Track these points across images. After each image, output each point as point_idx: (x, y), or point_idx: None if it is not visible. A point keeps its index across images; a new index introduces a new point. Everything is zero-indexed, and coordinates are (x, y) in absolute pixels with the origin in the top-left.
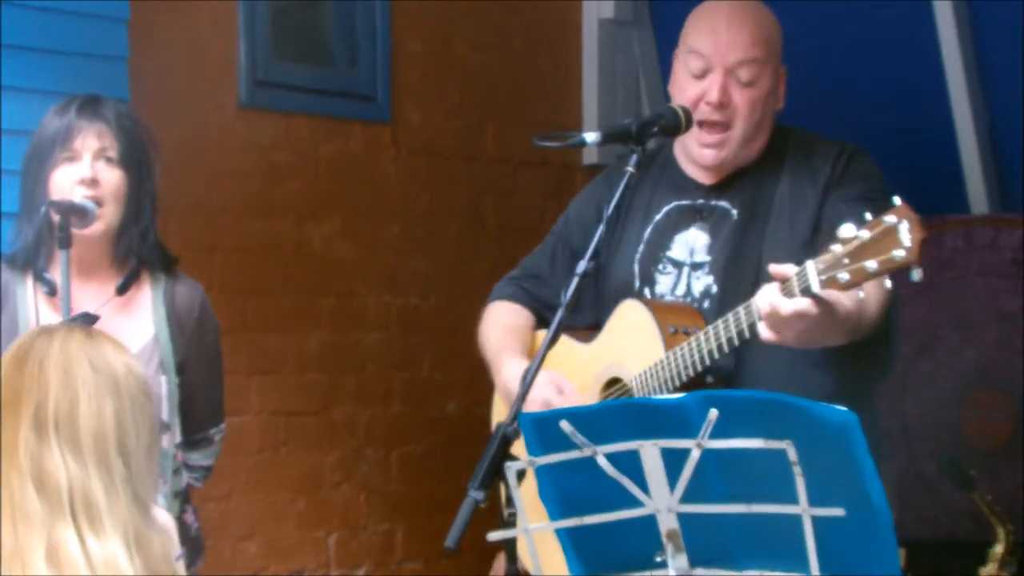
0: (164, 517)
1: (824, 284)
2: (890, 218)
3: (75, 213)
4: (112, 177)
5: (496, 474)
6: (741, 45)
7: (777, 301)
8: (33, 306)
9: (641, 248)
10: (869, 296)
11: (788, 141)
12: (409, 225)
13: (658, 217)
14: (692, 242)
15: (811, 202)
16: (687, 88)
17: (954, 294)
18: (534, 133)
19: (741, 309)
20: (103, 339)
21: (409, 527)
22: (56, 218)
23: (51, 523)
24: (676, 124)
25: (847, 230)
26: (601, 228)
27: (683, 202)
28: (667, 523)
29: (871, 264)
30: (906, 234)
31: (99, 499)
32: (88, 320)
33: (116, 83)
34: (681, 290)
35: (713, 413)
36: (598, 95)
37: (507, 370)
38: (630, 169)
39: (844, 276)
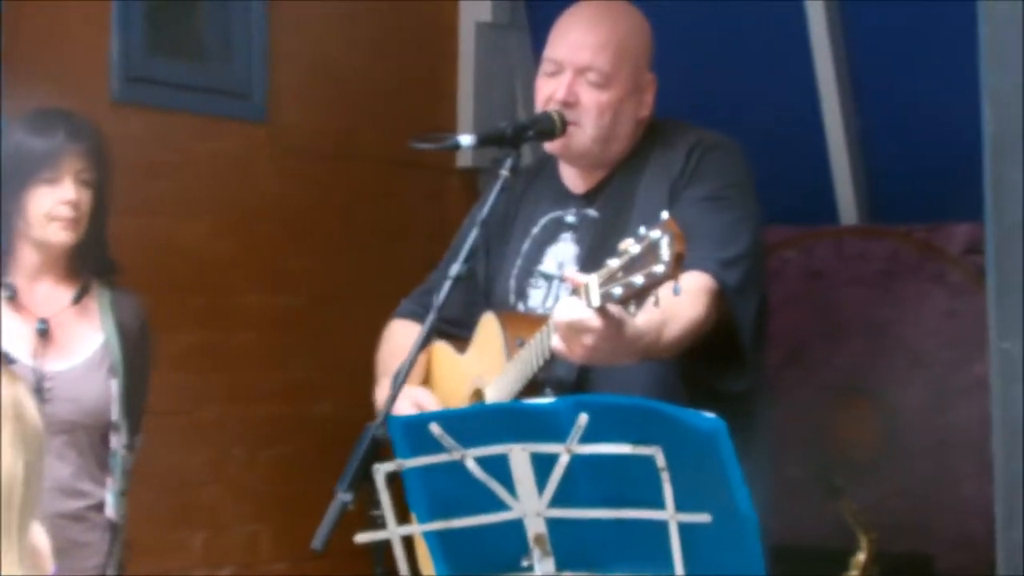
0: (41, 539)
1: (603, 298)
2: (654, 232)
3: None
4: (86, 197)
5: (365, 476)
6: (589, 49)
7: (560, 312)
8: None
9: (518, 262)
10: (673, 317)
11: (658, 136)
12: (284, 225)
13: (535, 230)
14: (562, 254)
15: (664, 199)
16: (541, 88)
17: (824, 304)
18: (410, 135)
19: (551, 321)
20: (25, 389)
21: (276, 528)
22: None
23: None
24: (551, 128)
25: (625, 243)
26: (474, 231)
27: (557, 213)
28: (535, 527)
29: (638, 279)
30: (666, 249)
31: None
32: (8, 360)
33: None
34: (551, 303)
35: (583, 418)
36: (474, 98)
37: (377, 391)
38: (504, 172)
39: (617, 291)
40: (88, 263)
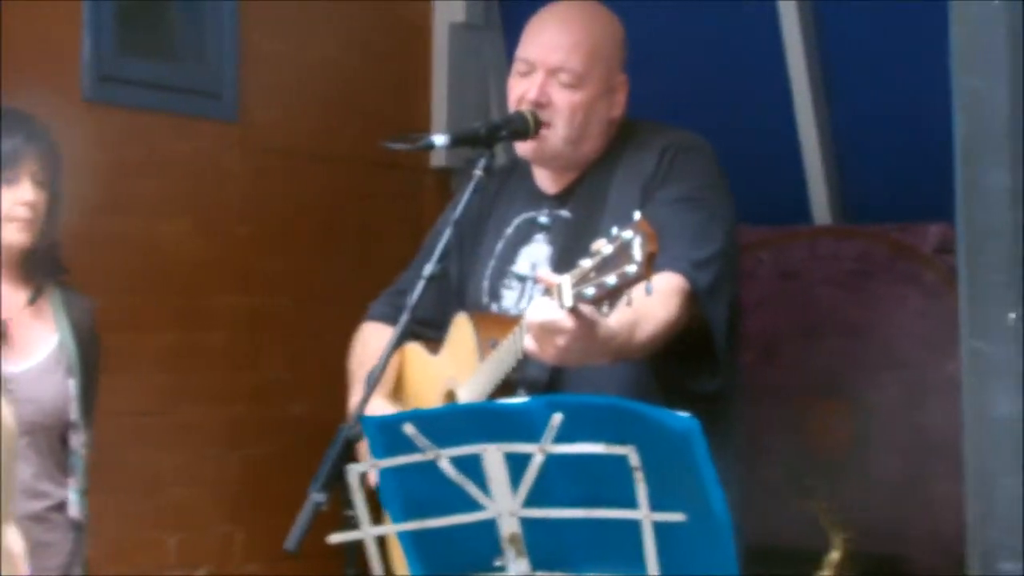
0: (15, 541)
1: (575, 299)
2: (627, 233)
3: None
4: (40, 199)
5: (338, 477)
6: (561, 49)
7: (532, 313)
8: None
9: (492, 263)
10: (644, 317)
11: (630, 137)
12: (260, 225)
13: (509, 231)
14: (535, 255)
15: (636, 200)
16: (513, 88)
17: (799, 304)
18: (384, 135)
19: (523, 322)
20: None
21: (250, 529)
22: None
23: None
24: (524, 128)
25: (597, 244)
26: (448, 231)
27: (530, 214)
28: (508, 527)
29: (611, 279)
30: (638, 250)
31: None
32: None
33: None
34: (524, 304)
35: (556, 418)
36: (447, 98)
37: (351, 402)
38: (478, 172)
39: (590, 291)
40: (41, 264)
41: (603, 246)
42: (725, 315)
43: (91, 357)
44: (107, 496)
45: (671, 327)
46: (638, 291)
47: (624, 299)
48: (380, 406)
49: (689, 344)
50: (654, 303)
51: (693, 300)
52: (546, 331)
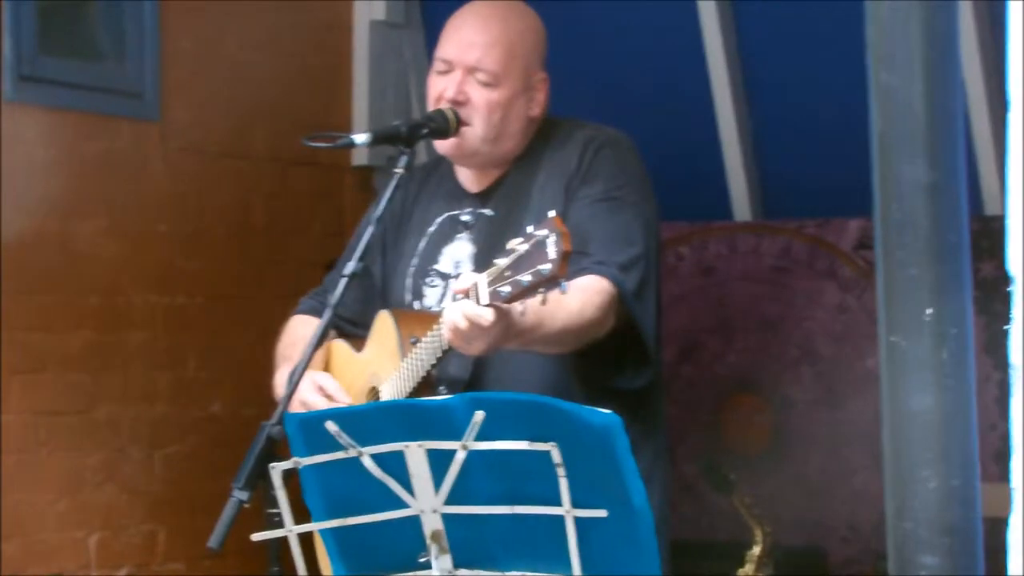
0: None
1: (491, 297)
2: (541, 231)
3: None
4: None
5: (261, 474)
6: (478, 48)
7: (453, 315)
8: None
9: (415, 261)
10: (556, 308)
11: (552, 134)
12: (180, 224)
13: (431, 229)
14: (458, 254)
15: (560, 198)
16: (432, 87)
17: (717, 300)
18: (305, 133)
19: (443, 320)
20: None
21: (172, 528)
22: None
23: None
24: (445, 126)
25: (513, 242)
26: (370, 229)
27: (453, 212)
28: (431, 524)
29: (525, 278)
30: (553, 248)
31: None
32: None
33: None
34: (447, 302)
35: (479, 415)
36: (368, 97)
37: (277, 377)
38: (399, 170)
39: (505, 289)
40: None
41: (518, 244)
42: (653, 314)
43: None
44: (26, 496)
45: (591, 326)
46: (555, 290)
47: (539, 297)
48: (321, 377)
49: (616, 345)
50: (569, 296)
51: (620, 303)
52: (463, 329)
